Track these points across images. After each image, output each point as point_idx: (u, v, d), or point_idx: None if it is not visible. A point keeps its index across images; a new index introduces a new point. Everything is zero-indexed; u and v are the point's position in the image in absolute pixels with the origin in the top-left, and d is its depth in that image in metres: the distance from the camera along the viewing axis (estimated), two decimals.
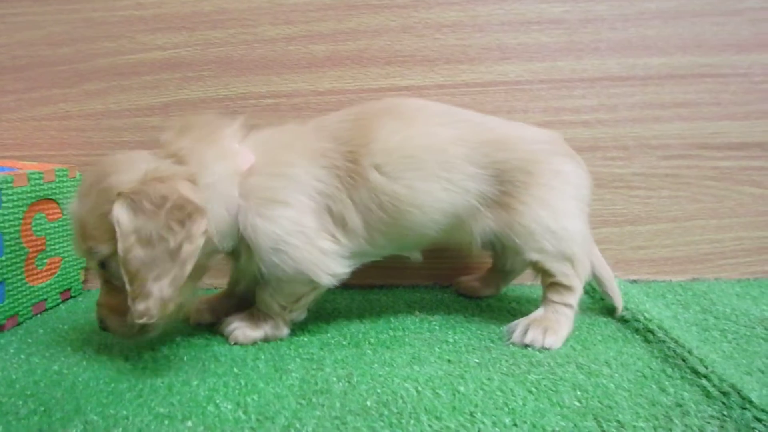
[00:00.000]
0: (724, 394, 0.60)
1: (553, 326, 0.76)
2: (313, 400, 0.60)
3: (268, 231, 0.70)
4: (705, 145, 1.02)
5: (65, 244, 0.93)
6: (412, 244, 0.81)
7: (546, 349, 0.73)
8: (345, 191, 0.73)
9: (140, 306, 0.62)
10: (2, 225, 0.80)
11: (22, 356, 0.72)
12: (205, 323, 0.82)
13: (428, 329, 0.81)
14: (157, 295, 0.62)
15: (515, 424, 0.55)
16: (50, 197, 0.90)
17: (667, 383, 0.64)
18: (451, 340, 0.77)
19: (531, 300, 0.94)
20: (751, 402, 0.58)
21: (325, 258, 0.73)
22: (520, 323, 0.78)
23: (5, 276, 0.81)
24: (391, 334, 0.79)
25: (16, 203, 0.82)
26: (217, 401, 0.60)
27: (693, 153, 1.02)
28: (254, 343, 0.76)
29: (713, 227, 1.04)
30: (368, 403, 0.59)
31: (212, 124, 0.74)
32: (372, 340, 0.77)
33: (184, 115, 0.77)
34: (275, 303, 0.75)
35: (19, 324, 0.84)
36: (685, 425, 0.55)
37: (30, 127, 1.02)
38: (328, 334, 0.79)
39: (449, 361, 0.70)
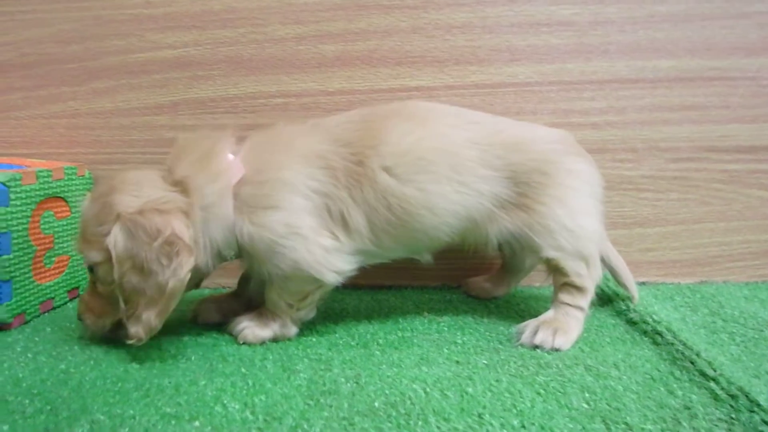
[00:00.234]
0: (732, 397, 0.60)
1: (563, 327, 0.76)
2: (321, 400, 0.60)
3: (263, 237, 0.71)
4: (713, 148, 1.02)
5: (73, 243, 0.93)
6: (423, 246, 0.81)
7: (556, 350, 0.73)
8: (345, 191, 0.73)
9: (132, 329, 0.67)
10: (10, 223, 0.80)
11: (29, 355, 0.72)
12: (213, 323, 0.82)
13: (437, 330, 0.81)
14: (146, 322, 0.67)
15: (523, 426, 0.55)
16: (59, 195, 0.90)
17: (675, 386, 0.64)
18: (459, 341, 0.77)
19: (540, 302, 0.94)
20: (759, 405, 0.58)
21: (327, 255, 0.73)
22: (530, 324, 0.78)
23: (13, 274, 0.81)
24: (400, 335, 0.79)
25: (24, 201, 0.82)
26: (225, 401, 0.60)
27: (702, 156, 1.02)
28: (263, 342, 0.76)
29: (721, 230, 1.04)
30: (376, 404, 0.59)
31: (203, 144, 0.75)
32: (380, 341, 0.77)
33: (179, 136, 0.78)
34: (282, 301, 0.76)
35: (26, 322, 0.84)
36: (693, 428, 0.55)
37: (38, 125, 1.03)
38: (337, 335, 0.79)
39: (458, 362, 0.70)
